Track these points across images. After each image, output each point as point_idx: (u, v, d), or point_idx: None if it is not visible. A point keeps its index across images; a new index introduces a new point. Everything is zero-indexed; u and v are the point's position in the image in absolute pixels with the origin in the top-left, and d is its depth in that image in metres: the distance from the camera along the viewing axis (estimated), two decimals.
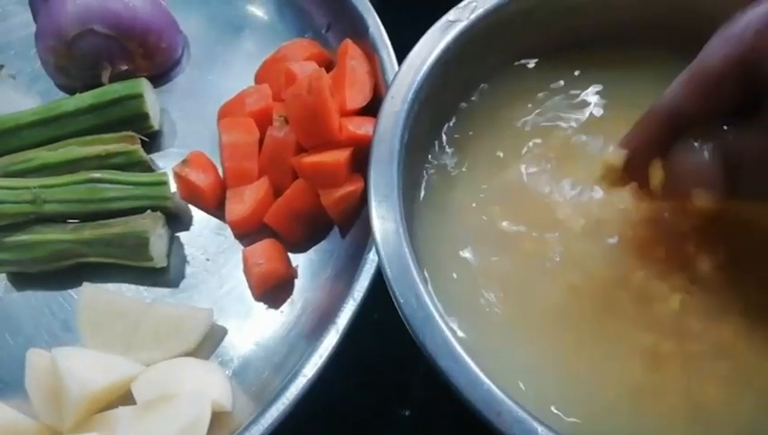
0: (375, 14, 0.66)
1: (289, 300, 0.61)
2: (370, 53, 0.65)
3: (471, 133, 0.56)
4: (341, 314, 0.53)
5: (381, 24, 0.65)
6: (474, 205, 0.53)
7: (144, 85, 0.66)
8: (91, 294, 0.59)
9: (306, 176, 0.60)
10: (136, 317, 0.58)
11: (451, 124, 0.57)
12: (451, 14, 0.54)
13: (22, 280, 0.63)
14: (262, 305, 0.61)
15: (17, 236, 0.60)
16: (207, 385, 0.53)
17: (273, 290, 0.61)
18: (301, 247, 0.63)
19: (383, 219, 0.47)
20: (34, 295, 0.63)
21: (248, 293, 0.62)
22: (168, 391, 0.52)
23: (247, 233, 0.63)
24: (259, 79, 0.69)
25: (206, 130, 0.69)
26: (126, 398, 0.55)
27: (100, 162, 0.63)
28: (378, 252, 0.46)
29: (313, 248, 0.63)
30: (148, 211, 0.61)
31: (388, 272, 0.45)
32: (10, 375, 0.59)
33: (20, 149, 0.65)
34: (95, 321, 0.58)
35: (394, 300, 0.45)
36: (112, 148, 0.63)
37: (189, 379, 0.53)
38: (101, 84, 0.69)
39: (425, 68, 0.53)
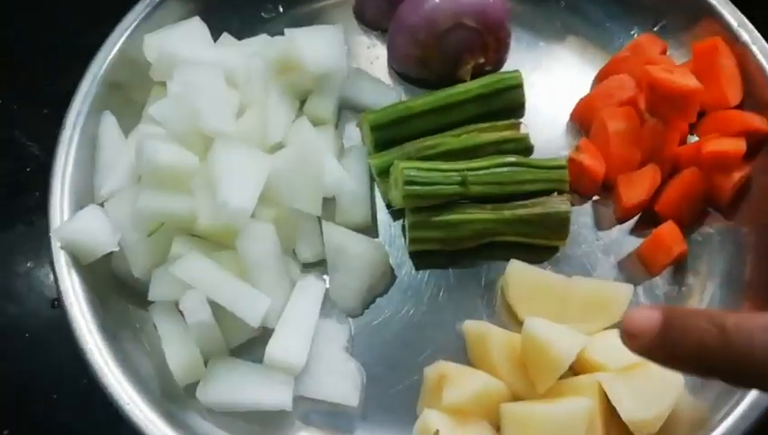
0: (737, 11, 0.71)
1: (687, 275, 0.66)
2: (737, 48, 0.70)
3: None
4: None
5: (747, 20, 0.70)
6: None
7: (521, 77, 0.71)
8: (518, 270, 0.64)
9: (703, 163, 0.65)
10: (562, 291, 0.63)
11: None
12: None
13: (426, 260, 0.68)
14: (659, 280, 0.66)
15: (446, 215, 0.64)
16: None
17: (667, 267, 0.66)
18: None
19: None
20: (436, 273, 0.67)
21: (638, 268, 0.67)
22: (634, 358, 0.56)
23: (629, 217, 0.68)
24: (607, 74, 0.74)
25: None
26: None
27: (497, 148, 0.67)
28: None
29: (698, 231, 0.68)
30: (555, 193, 0.65)
31: None
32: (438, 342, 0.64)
33: (413, 135, 0.69)
34: (524, 294, 0.63)
35: None
36: (506, 134, 0.68)
37: None
38: (455, 77, 0.74)
39: None
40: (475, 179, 0.64)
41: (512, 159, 0.65)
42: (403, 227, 0.69)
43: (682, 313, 0.42)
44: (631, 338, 0.42)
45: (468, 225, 0.64)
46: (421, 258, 0.68)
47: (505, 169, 0.65)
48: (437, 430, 0.55)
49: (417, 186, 0.63)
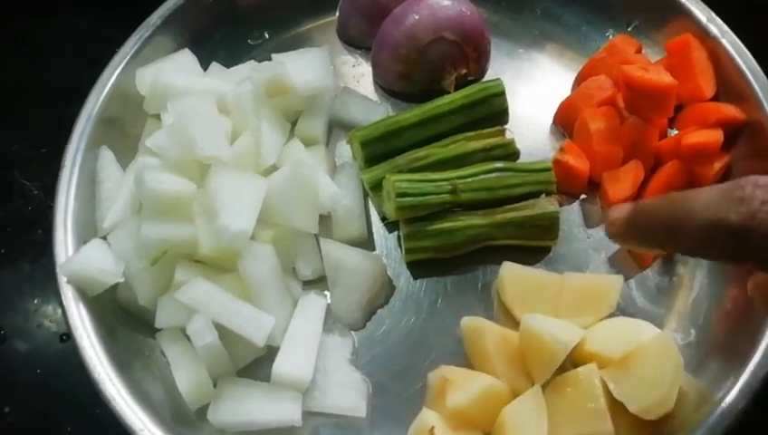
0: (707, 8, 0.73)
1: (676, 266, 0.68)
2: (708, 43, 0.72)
3: None
4: None
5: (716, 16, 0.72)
6: None
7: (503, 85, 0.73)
8: (512, 271, 0.66)
9: (684, 155, 0.68)
10: (555, 288, 0.65)
11: None
12: None
13: (423, 269, 0.70)
14: (650, 272, 0.68)
15: (439, 224, 0.66)
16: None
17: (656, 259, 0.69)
18: None
19: None
20: (433, 281, 0.69)
21: (629, 262, 0.69)
22: (630, 343, 0.59)
23: None
24: (585, 76, 0.76)
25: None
26: None
27: (485, 155, 0.69)
28: None
29: None
30: (543, 195, 0.67)
31: None
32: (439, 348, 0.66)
33: (402, 148, 0.71)
34: (519, 294, 0.65)
35: None
36: (493, 141, 0.70)
37: (644, 330, 0.61)
38: (439, 89, 0.76)
39: None
40: (465, 187, 0.66)
41: (499, 164, 0.68)
42: (398, 238, 0.70)
43: (644, 203, 0.51)
44: (610, 225, 0.51)
45: (462, 231, 0.66)
46: (418, 267, 0.70)
47: (494, 174, 0.67)
48: (433, 427, 0.57)
49: (408, 197, 0.65)
